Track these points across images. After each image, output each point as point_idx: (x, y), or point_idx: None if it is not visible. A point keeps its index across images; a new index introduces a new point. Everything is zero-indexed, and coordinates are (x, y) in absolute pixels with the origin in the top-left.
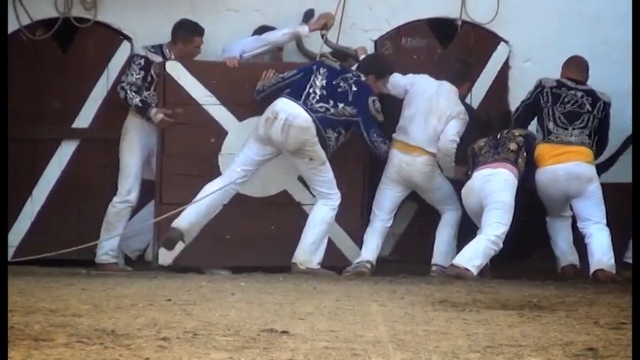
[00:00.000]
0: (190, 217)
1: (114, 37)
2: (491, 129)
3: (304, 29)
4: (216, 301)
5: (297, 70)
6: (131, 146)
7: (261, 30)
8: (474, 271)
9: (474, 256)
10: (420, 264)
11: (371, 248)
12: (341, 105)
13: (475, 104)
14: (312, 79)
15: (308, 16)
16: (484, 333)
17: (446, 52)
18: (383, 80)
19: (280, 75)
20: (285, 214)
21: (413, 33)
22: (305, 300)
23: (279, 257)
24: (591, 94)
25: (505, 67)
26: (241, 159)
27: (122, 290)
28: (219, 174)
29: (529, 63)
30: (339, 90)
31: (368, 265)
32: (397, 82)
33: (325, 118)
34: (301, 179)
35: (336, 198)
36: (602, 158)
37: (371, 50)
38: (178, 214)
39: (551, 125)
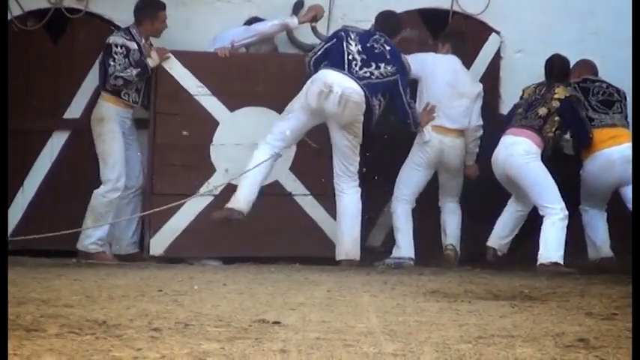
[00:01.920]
0: (246, 194)
1: (105, 27)
2: (550, 76)
3: (293, 21)
4: (208, 291)
5: (327, 38)
6: (112, 133)
7: (252, 21)
8: (561, 261)
9: (558, 246)
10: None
11: (410, 243)
12: (382, 65)
13: None
14: (345, 46)
15: (298, 7)
16: (476, 323)
17: (437, 42)
18: (396, 39)
19: (315, 49)
20: (277, 205)
21: (404, 24)
22: (296, 290)
23: (271, 248)
24: (612, 86)
25: (497, 58)
26: (282, 125)
27: (114, 281)
28: (211, 165)
29: (521, 54)
30: (376, 51)
31: (411, 262)
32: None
33: (370, 85)
34: (293, 169)
35: (358, 180)
36: None
37: None
38: (169, 209)
39: (590, 113)
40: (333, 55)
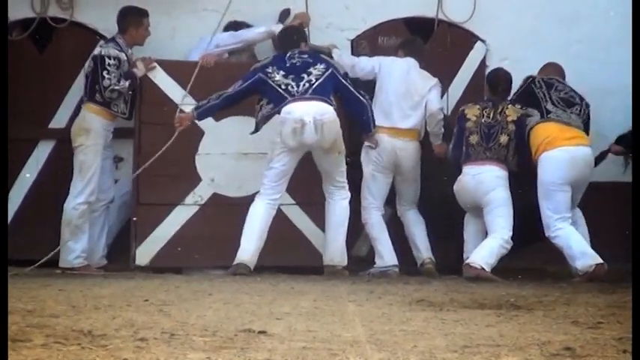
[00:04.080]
0: (250, 248)
1: (90, 37)
2: (494, 93)
3: (279, 29)
4: (194, 301)
5: (245, 83)
6: (96, 146)
7: (234, 26)
8: (489, 269)
9: (487, 255)
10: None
11: (390, 250)
12: (311, 69)
13: (452, 103)
14: (271, 82)
15: (284, 15)
16: (461, 333)
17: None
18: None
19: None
20: None
21: (390, 32)
22: (282, 300)
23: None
24: (576, 92)
25: (482, 66)
26: (272, 176)
27: (99, 291)
28: (197, 175)
29: (506, 62)
30: (297, 65)
31: (396, 270)
32: (364, 65)
33: (319, 88)
34: None
35: (347, 188)
36: None
37: (343, 49)
38: (156, 216)
39: (549, 106)
40: (271, 98)
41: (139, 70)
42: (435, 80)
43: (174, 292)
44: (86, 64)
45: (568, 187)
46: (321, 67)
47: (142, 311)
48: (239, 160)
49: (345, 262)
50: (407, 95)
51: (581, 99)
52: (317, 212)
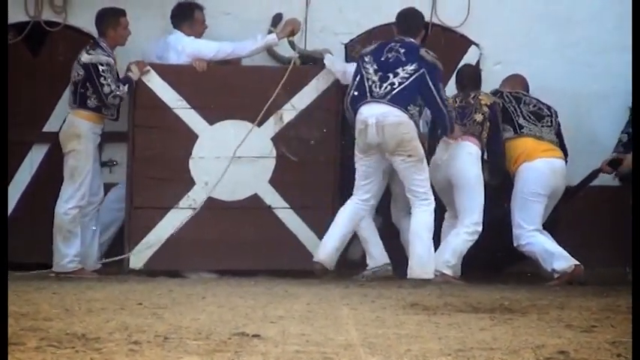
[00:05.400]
0: (329, 247)
1: (84, 40)
2: (462, 88)
3: (274, 39)
4: (187, 304)
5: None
6: (88, 151)
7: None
8: (449, 272)
9: (450, 256)
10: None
11: (381, 250)
12: (399, 70)
13: None
14: (364, 73)
15: (276, 19)
16: (455, 336)
17: None
18: (419, 36)
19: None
20: (256, 218)
21: (384, 36)
22: (276, 303)
23: (250, 261)
24: (543, 103)
25: None
26: (358, 176)
27: (93, 294)
28: (190, 178)
29: (500, 66)
30: (390, 61)
31: (389, 268)
32: (352, 70)
33: (396, 96)
34: (272, 182)
35: (432, 198)
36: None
37: (337, 53)
38: (150, 219)
39: (521, 120)
40: (358, 89)
41: (134, 74)
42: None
43: (167, 295)
44: (73, 72)
45: (546, 198)
46: (411, 67)
47: (136, 314)
48: (233, 164)
49: (430, 274)
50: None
51: (549, 108)
52: (311, 216)
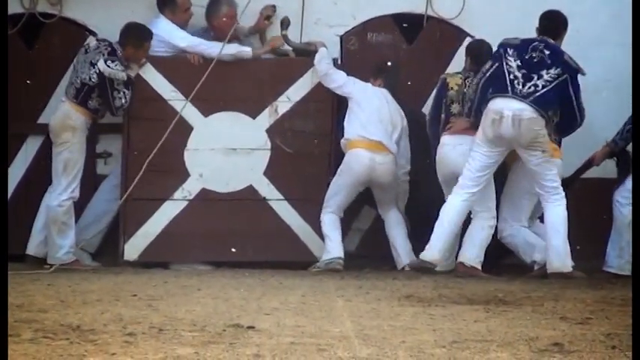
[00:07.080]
0: (439, 245)
1: (79, 32)
2: (478, 64)
3: (248, 54)
4: (182, 296)
5: (489, 62)
6: (81, 144)
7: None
8: (479, 267)
9: (478, 250)
10: (385, 259)
11: (338, 244)
12: (544, 73)
13: None
14: (505, 66)
15: (285, 24)
16: (450, 328)
17: (411, 47)
18: (561, 40)
19: (483, 70)
20: (251, 210)
21: (378, 28)
22: (271, 295)
23: (245, 252)
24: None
25: None
26: (475, 165)
27: (88, 286)
28: (185, 170)
29: None
30: (535, 61)
31: (341, 262)
32: (336, 78)
33: (539, 98)
34: (267, 174)
35: (563, 192)
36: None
37: (332, 45)
38: (144, 211)
39: None
40: (496, 80)
41: (133, 70)
42: (406, 124)
43: (162, 287)
44: (84, 71)
45: (535, 197)
46: (554, 71)
47: (131, 306)
48: (228, 156)
49: (568, 268)
50: (382, 120)
51: None
52: (306, 208)
